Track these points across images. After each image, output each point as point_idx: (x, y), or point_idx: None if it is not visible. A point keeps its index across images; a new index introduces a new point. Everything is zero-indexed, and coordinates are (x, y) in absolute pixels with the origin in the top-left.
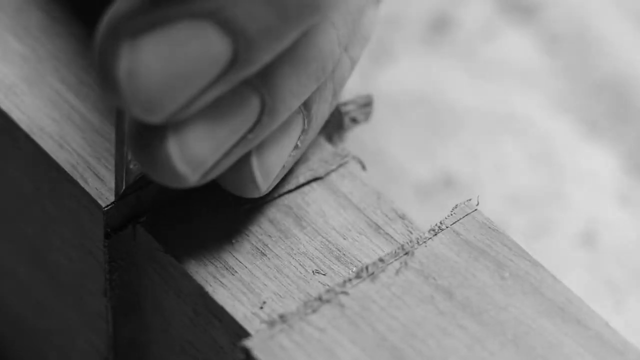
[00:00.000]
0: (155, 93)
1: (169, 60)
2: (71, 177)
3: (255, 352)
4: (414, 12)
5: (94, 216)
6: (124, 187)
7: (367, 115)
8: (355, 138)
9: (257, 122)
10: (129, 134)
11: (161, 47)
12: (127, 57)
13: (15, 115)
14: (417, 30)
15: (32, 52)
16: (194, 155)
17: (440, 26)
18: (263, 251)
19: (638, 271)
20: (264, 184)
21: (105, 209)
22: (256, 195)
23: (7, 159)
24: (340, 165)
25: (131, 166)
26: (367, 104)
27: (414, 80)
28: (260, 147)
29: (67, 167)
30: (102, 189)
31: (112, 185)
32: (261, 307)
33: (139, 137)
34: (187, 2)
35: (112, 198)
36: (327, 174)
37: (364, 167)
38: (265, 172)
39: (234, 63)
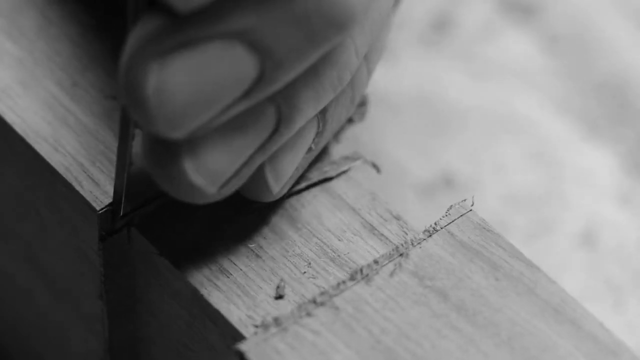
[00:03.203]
0: (181, 111)
1: (197, 79)
2: (65, 180)
3: (250, 356)
4: (414, 13)
5: (89, 219)
6: (122, 209)
7: (363, 115)
8: (355, 138)
9: (275, 132)
10: (144, 151)
11: (189, 66)
12: (156, 76)
13: (10, 118)
14: (417, 31)
15: (28, 54)
16: (209, 168)
17: (440, 26)
18: (258, 253)
19: (638, 271)
20: (277, 188)
21: (100, 212)
22: (270, 199)
23: (2, 162)
24: (350, 168)
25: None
26: (362, 104)
27: (414, 80)
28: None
29: (61, 170)
30: (97, 192)
31: (107, 188)
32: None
33: (153, 153)
34: (217, 23)
35: (106, 201)
36: (338, 175)
37: (378, 170)
38: (278, 175)
39: (259, 81)
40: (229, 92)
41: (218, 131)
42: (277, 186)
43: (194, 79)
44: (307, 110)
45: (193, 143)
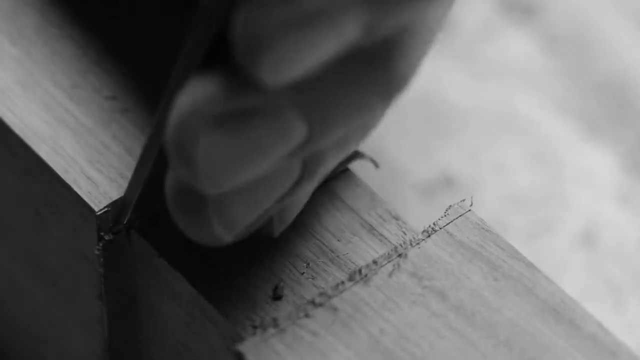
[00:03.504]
0: (227, 173)
1: (248, 143)
2: (64, 182)
3: (248, 356)
4: None
5: (88, 220)
6: (127, 218)
7: None
8: None
9: (296, 185)
10: (169, 193)
11: (242, 131)
12: (208, 140)
13: (9, 119)
14: None
15: (27, 55)
16: (231, 220)
17: None
18: (257, 254)
19: (638, 271)
20: (281, 230)
21: (99, 213)
22: (271, 237)
23: (1, 163)
24: (349, 168)
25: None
26: None
27: (414, 80)
28: None
29: (60, 172)
30: (95, 193)
31: (105, 189)
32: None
33: (180, 199)
34: (275, 94)
35: (105, 202)
36: (337, 174)
37: (376, 165)
38: (284, 220)
39: (304, 145)
40: (275, 155)
41: (244, 186)
42: (281, 228)
43: (245, 143)
44: (331, 165)
45: (221, 196)
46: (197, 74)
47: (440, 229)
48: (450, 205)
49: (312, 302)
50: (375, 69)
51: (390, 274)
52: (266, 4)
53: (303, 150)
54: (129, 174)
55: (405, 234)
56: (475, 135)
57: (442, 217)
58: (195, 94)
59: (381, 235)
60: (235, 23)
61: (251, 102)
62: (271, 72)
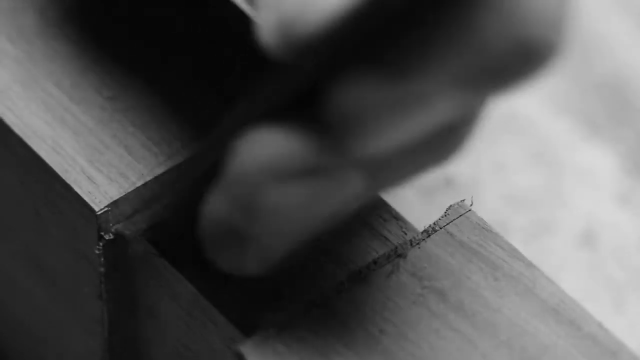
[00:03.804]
0: (287, 227)
1: (312, 201)
2: (64, 182)
3: (249, 357)
4: None
5: (88, 220)
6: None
7: None
8: None
9: None
10: (209, 227)
11: (307, 189)
12: (273, 197)
13: (9, 118)
14: None
15: (26, 54)
16: (265, 257)
17: None
18: None
19: (638, 271)
20: None
21: (99, 213)
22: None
23: (1, 163)
24: None
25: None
26: None
27: None
28: None
29: (60, 171)
30: (96, 193)
31: (106, 189)
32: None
33: (219, 234)
34: (345, 156)
35: (105, 202)
36: None
37: None
38: None
39: (359, 197)
40: (332, 208)
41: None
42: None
43: (308, 201)
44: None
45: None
46: (270, 122)
47: (441, 228)
48: (450, 205)
49: (312, 302)
50: (447, 138)
51: (390, 274)
52: (370, 82)
53: (358, 201)
54: (129, 174)
55: (405, 234)
56: (475, 135)
57: (442, 217)
58: (268, 147)
59: (381, 235)
60: (334, 94)
61: (323, 162)
62: (362, 145)
